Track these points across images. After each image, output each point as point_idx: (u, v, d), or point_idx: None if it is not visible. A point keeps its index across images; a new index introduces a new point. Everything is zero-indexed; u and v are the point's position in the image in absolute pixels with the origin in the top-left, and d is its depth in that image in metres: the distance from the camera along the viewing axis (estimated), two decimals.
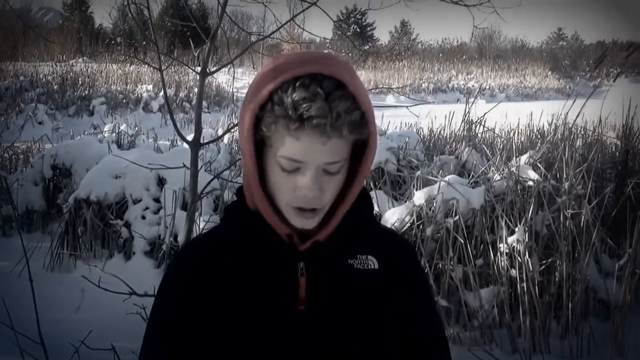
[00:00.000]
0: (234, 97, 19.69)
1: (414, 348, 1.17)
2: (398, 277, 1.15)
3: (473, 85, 30.09)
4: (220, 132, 8.14)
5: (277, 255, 1.08)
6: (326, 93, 0.94)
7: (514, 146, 5.40)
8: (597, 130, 5.46)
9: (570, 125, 4.58)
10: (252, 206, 1.09)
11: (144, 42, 20.34)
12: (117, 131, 8.59)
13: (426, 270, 3.66)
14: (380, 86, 22.66)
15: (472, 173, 4.48)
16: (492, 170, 4.16)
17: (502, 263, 3.63)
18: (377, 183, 4.57)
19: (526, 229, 3.59)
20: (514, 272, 3.57)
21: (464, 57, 41.09)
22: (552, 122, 5.76)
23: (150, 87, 18.90)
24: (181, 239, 3.42)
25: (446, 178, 4.00)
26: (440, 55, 41.61)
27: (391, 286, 1.14)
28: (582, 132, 5.20)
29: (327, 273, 1.09)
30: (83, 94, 17.65)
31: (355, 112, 0.96)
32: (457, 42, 49.44)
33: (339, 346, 1.06)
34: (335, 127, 0.94)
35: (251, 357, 1.05)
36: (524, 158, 4.27)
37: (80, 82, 18.60)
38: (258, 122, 0.99)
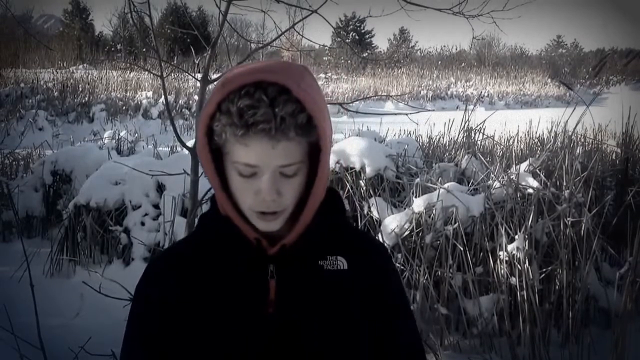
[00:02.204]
0: None
1: (390, 352, 1.18)
2: (368, 278, 1.17)
3: (472, 93, 30.15)
4: None
5: (247, 258, 1.11)
6: (270, 99, 0.98)
7: (513, 154, 5.41)
8: (597, 138, 5.46)
9: (570, 133, 4.58)
10: (223, 212, 1.11)
11: (144, 49, 20.39)
12: (116, 138, 8.61)
13: (427, 277, 3.66)
14: (379, 93, 22.71)
15: (471, 180, 4.48)
16: (492, 178, 4.16)
17: (502, 271, 3.62)
18: (376, 190, 4.57)
19: (526, 236, 3.58)
20: (513, 280, 3.56)
21: (463, 64, 41.21)
22: (551, 129, 5.77)
23: (150, 93, 18.94)
24: None
25: (446, 185, 4.00)
26: (439, 62, 41.75)
27: (360, 286, 1.15)
28: (582, 140, 5.20)
29: (297, 275, 1.11)
30: (83, 101, 17.67)
31: (301, 115, 0.99)
32: (456, 49, 49.68)
33: (308, 348, 1.08)
34: (281, 130, 0.98)
35: None
36: (523, 165, 4.27)
37: (80, 89, 18.63)
38: (211, 132, 1.03)
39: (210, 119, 1.02)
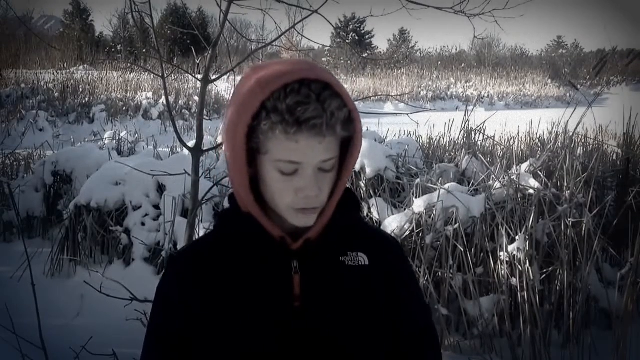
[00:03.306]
0: None
1: (402, 339, 1.20)
2: (387, 272, 1.19)
3: (472, 93, 30.14)
4: (219, 139, 8.14)
5: (271, 255, 1.12)
6: (316, 95, 0.99)
7: (514, 154, 5.41)
8: (598, 139, 5.46)
9: (571, 134, 4.58)
10: (245, 210, 1.12)
11: (145, 50, 20.41)
12: (117, 138, 8.61)
13: (427, 278, 3.66)
14: (379, 94, 22.72)
15: (472, 181, 4.48)
16: (492, 178, 4.16)
17: (503, 271, 3.62)
18: (376, 190, 4.57)
19: (527, 237, 3.58)
20: (514, 281, 3.56)
21: (463, 65, 41.19)
22: (552, 130, 5.76)
23: (150, 94, 18.93)
24: (181, 245, 3.41)
25: (446, 186, 4.00)
26: (439, 63, 41.70)
27: (381, 280, 1.17)
28: (583, 141, 5.20)
29: (320, 270, 1.13)
30: (83, 102, 17.67)
31: (344, 110, 1.02)
32: (456, 50, 49.65)
33: (334, 341, 1.09)
34: (330, 125, 1.00)
35: (249, 355, 1.07)
36: (524, 166, 4.28)
37: (80, 90, 18.62)
38: (250, 132, 1.03)
39: (252, 119, 1.02)
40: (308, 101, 0.98)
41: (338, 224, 1.13)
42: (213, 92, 20.02)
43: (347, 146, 1.09)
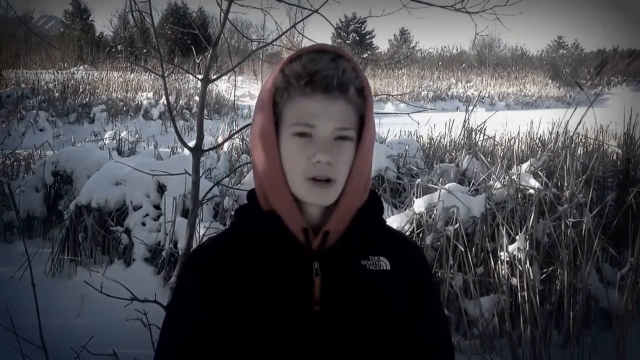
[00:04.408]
0: (235, 105, 19.73)
1: (419, 350, 1.18)
2: (409, 278, 1.17)
3: (472, 94, 30.14)
4: (220, 139, 8.15)
5: (292, 255, 1.09)
6: (331, 58, 1.06)
7: (514, 154, 5.41)
8: (598, 139, 5.46)
9: (571, 134, 4.58)
10: (266, 207, 1.10)
11: (145, 50, 20.41)
12: (117, 138, 8.61)
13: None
14: (380, 94, 22.70)
15: (472, 181, 4.48)
16: (493, 178, 4.16)
17: (503, 271, 3.62)
18: (377, 190, 4.57)
19: (527, 237, 3.58)
20: (514, 281, 3.56)
21: (464, 65, 41.17)
22: (552, 130, 5.76)
23: (150, 94, 18.94)
24: (182, 245, 3.42)
25: (446, 186, 4.00)
26: (440, 63, 41.67)
27: (402, 287, 1.15)
28: (583, 141, 5.20)
29: (341, 273, 1.10)
30: (84, 102, 17.69)
31: (358, 79, 1.07)
32: (457, 50, 49.59)
33: (352, 346, 1.07)
34: (342, 83, 1.04)
35: (266, 356, 1.06)
36: (524, 166, 4.28)
37: (81, 90, 18.64)
38: (273, 106, 1.08)
39: (274, 87, 1.07)
40: (321, 59, 1.04)
41: (361, 227, 1.11)
42: (213, 92, 20.06)
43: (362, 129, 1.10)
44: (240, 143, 7.19)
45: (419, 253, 1.25)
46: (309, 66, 1.04)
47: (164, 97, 17.22)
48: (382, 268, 1.14)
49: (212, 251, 1.16)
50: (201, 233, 3.76)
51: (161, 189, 5.01)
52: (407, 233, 3.89)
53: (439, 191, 3.91)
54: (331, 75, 1.03)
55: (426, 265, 1.25)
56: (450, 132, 6.50)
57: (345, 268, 1.11)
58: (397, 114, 5.66)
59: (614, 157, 5.27)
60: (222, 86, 21.25)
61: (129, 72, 22.39)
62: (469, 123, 5.52)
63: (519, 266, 3.54)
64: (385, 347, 1.10)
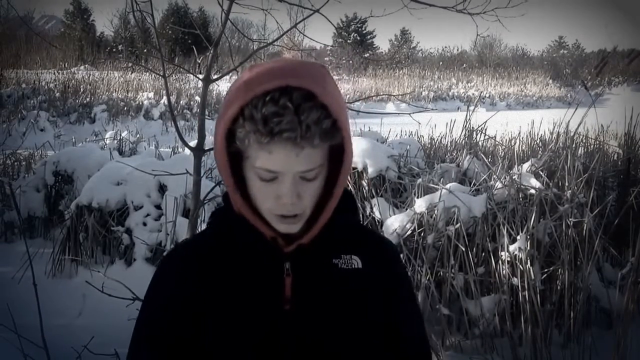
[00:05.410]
0: None
1: (396, 351, 1.19)
2: (381, 277, 1.18)
3: (473, 94, 30.13)
4: None
5: (263, 256, 1.11)
6: (295, 106, 0.96)
7: (515, 154, 5.41)
8: (599, 139, 5.46)
9: (572, 134, 4.58)
10: (238, 211, 1.11)
11: (146, 50, 20.43)
12: (118, 138, 8.61)
13: (429, 277, 3.66)
14: (381, 94, 22.70)
15: (473, 181, 4.48)
16: (494, 178, 4.16)
17: (504, 271, 3.62)
18: (378, 190, 4.57)
19: (528, 237, 3.58)
20: (515, 281, 3.56)
21: (465, 65, 41.19)
22: (553, 130, 5.76)
23: (151, 94, 18.94)
24: None
25: (447, 186, 4.00)
26: (441, 63, 41.69)
27: (374, 285, 1.16)
28: (584, 141, 5.20)
29: (312, 273, 1.12)
30: (84, 102, 17.68)
31: (326, 121, 0.99)
32: (458, 50, 49.62)
33: (324, 345, 1.09)
34: (306, 138, 0.97)
35: (239, 356, 1.07)
36: (525, 166, 4.27)
37: (81, 90, 18.63)
38: (231, 135, 1.02)
39: (232, 123, 1.01)
40: (283, 112, 0.96)
41: (332, 226, 1.12)
42: (214, 92, 20.04)
43: (343, 152, 1.07)
44: None
45: (392, 252, 1.25)
46: (269, 123, 0.96)
47: (164, 97, 17.21)
48: (353, 267, 1.15)
49: (188, 252, 1.18)
50: None
51: (162, 189, 5.02)
52: (409, 233, 3.89)
53: (439, 191, 3.91)
54: (293, 136, 0.96)
55: (399, 264, 1.26)
56: (451, 132, 6.50)
57: (316, 267, 1.12)
58: (398, 114, 5.67)
59: (615, 157, 5.27)
60: (222, 86, 21.21)
61: (130, 72, 22.39)
62: (469, 123, 5.52)
63: (520, 266, 3.54)
64: (357, 346, 1.11)
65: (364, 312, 1.13)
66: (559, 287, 3.59)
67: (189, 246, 1.22)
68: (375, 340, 1.14)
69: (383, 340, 1.16)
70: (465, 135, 5.58)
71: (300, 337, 1.08)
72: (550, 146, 5.05)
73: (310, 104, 0.97)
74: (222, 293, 1.10)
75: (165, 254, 1.25)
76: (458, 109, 22.09)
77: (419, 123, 5.25)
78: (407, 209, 4.13)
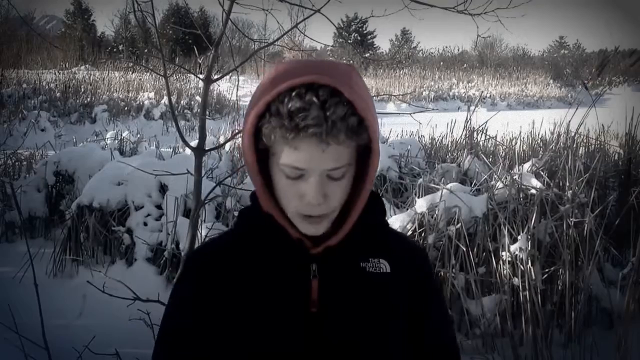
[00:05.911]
0: (236, 105, 19.73)
1: (423, 352, 1.18)
2: (409, 281, 1.16)
3: (474, 94, 30.11)
4: (222, 139, 8.16)
5: (290, 257, 1.09)
6: (321, 101, 0.96)
7: (516, 154, 5.41)
8: (599, 139, 5.46)
9: (573, 134, 4.58)
10: (266, 210, 1.09)
11: (146, 50, 20.43)
12: (119, 138, 8.61)
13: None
14: (382, 94, 22.72)
15: (474, 181, 4.48)
16: (495, 178, 4.16)
17: (505, 271, 3.62)
18: (379, 190, 4.57)
19: (529, 237, 3.58)
20: (516, 281, 3.56)
21: (465, 65, 41.18)
22: (554, 130, 5.76)
23: (152, 94, 18.94)
24: (184, 245, 3.42)
25: (448, 186, 4.01)
26: (441, 63, 41.66)
27: (402, 290, 1.14)
28: (585, 141, 5.20)
29: (339, 275, 1.10)
30: (85, 102, 17.68)
31: (352, 118, 0.97)
32: (458, 50, 49.62)
33: (350, 349, 1.07)
34: (331, 134, 0.96)
35: (262, 358, 1.06)
36: (526, 166, 4.28)
37: (82, 90, 18.63)
38: (258, 132, 1.01)
39: (258, 120, 1.00)
40: (309, 107, 0.95)
41: (360, 228, 1.10)
42: (215, 92, 20.05)
43: (370, 152, 1.05)
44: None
45: (420, 256, 1.23)
46: (295, 118, 0.95)
47: (165, 97, 17.24)
48: (381, 270, 1.13)
49: (213, 252, 1.16)
50: (203, 233, 3.76)
51: (163, 189, 5.02)
52: (409, 233, 3.89)
53: (440, 191, 3.91)
54: (319, 132, 0.95)
55: (428, 269, 1.24)
56: (451, 132, 6.51)
57: (343, 270, 1.10)
58: (398, 114, 5.67)
59: (616, 157, 5.27)
60: (223, 86, 21.24)
61: (131, 72, 22.38)
62: (470, 123, 5.53)
63: (521, 266, 3.54)
64: (381, 350, 1.10)
65: (390, 316, 1.11)
66: (559, 287, 3.59)
67: (212, 247, 1.20)
68: (401, 345, 1.13)
69: (409, 346, 1.15)
70: (466, 135, 5.59)
71: (327, 341, 1.06)
72: (551, 146, 5.05)
73: (337, 99, 0.96)
74: (247, 294, 1.09)
75: (191, 252, 1.24)
76: (459, 109, 22.08)
77: (420, 123, 5.25)
78: (408, 209, 4.13)
